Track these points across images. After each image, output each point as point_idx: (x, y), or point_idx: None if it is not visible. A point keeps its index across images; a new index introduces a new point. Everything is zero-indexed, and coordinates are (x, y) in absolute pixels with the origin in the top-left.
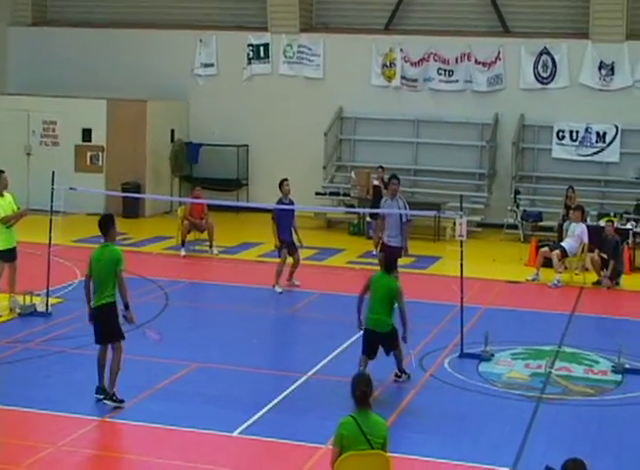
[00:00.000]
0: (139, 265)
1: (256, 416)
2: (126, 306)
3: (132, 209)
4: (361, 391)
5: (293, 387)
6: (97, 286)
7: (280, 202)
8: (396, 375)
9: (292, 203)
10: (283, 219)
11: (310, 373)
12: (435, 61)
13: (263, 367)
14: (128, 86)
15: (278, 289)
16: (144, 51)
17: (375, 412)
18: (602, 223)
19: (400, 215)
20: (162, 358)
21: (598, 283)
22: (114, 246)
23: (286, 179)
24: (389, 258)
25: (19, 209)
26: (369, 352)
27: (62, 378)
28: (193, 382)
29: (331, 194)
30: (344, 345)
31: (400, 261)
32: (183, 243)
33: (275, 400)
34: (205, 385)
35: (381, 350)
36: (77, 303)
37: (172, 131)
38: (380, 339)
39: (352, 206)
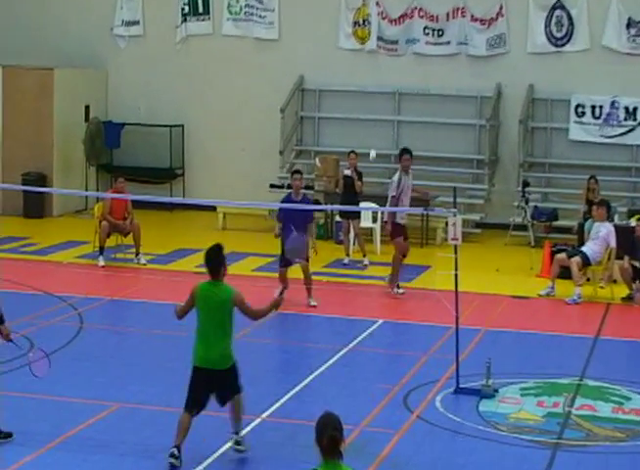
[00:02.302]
0: (45, 278)
1: None
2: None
3: (36, 206)
4: (329, 436)
5: (242, 432)
6: None
7: (288, 199)
8: (237, 442)
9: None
10: (288, 221)
11: (264, 415)
12: (421, 17)
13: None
14: (30, 50)
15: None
16: (50, 5)
17: (346, 464)
18: (632, 223)
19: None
20: (75, 397)
21: (628, 298)
22: None
23: (297, 172)
24: (212, 258)
25: None
26: (196, 403)
27: None
28: (113, 427)
29: (289, 187)
30: (308, 379)
31: (378, 272)
32: (101, 250)
33: (220, 450)
34: (129, 430)
35: None
36: None
37: (87, 108)
38: (217, 381)
39: (317, 202)
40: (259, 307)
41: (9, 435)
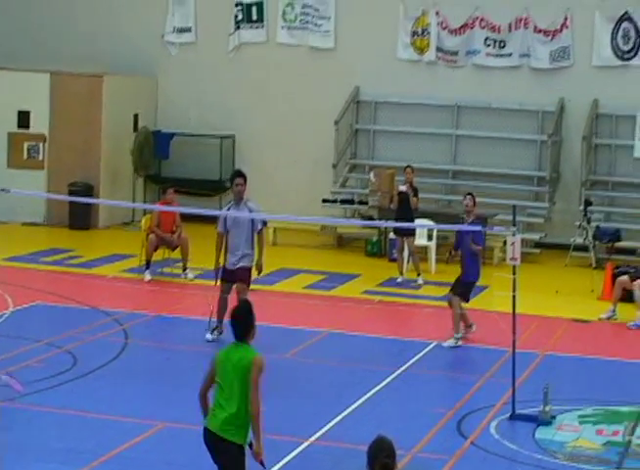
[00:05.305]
0: (90, 292)
1: None
2: None
3: (82, 217)
4: (382, 463)
5: (289, 456)
6: None
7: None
8: None
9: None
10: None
11: (313, 438)
12: (482, 28)
13: None
14: (79, 56)
15: None
16: (100, 10)
17: None
18: None
19: (252, 222)
20: (119, 415)
21: None
22: None
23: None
24: (242, 320)
25: None
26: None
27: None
28: (159, 446)
29: (343, 202)
30: (359, 401)
31: (432, 292)
32: (148, 264)
33: None
34: (175, 451)
35: None
36: (10, 340)
37: (136, 116)
38: (223, 450)
39: (371, 218)
40: (259, 407)
41: None
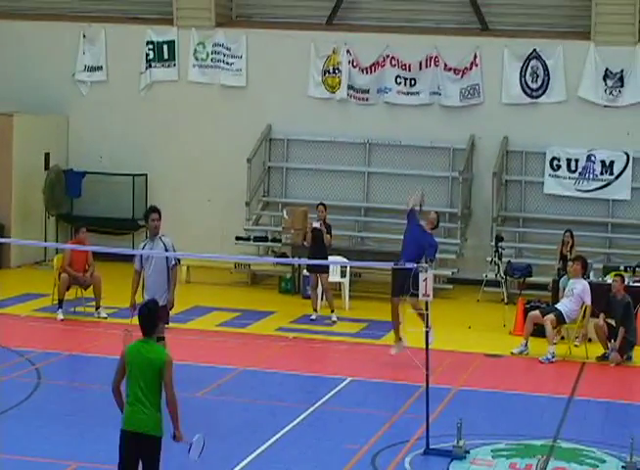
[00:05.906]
0: (1, 332)
1: None
2: None
3: None
4: None
5: None
6: None
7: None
8: None
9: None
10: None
11: None
12: (393, 66)
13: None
14: None
15: None
16: (10, 49)
17: None
18: (609, 279)
19: (167, 258)
20: (32, 456)
21: (604, 357)
22: None
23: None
24: (149, 317)
25: None
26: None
27: None
28: None
29: (256, 239)
30: (272, 439)
31: (346, 328)
32: (60, 303)
33: None
34: None
35: None
36: None
37: (47, 155)
38: (142, 447)
39: (284, 255)
40: (175, 402)
41: None
